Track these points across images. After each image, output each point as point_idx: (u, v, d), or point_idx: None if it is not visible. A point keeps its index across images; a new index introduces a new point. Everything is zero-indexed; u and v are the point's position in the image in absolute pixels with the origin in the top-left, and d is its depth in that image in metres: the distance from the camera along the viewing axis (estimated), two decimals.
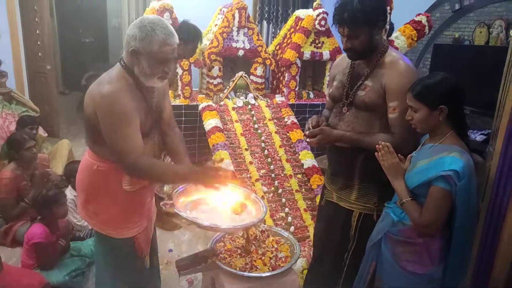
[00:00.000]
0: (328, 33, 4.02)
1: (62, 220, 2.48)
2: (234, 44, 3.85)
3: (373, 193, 1.71)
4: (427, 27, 2.67)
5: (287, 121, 3.65)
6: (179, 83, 3.75)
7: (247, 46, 3.90)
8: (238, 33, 3.86)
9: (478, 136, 3.52)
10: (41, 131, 3.89)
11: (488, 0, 3.72)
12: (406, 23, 2.68)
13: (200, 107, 3.66)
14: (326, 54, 4.02)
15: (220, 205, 1.67)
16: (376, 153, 1.50)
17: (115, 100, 1.40)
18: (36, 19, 4.54)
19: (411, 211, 1.42)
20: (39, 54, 4.66)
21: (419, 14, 2.69)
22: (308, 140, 1.71)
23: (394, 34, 2.68)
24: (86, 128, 1.56)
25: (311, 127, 1.71)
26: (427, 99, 1.38)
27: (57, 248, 2.38)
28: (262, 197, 2.94)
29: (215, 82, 3.87)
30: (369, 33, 1.54)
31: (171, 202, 1.58)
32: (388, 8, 2.42)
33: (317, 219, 2.05)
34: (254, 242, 1.74)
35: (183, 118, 3.71)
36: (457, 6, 4.04)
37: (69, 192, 2.80)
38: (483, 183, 1.69)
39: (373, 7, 1.50)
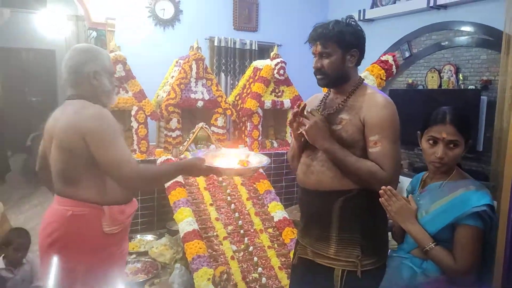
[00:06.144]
0: (287, 82, 4.00)
1: None
2: (192, 95, 3.71)
3: (354, 244, 1.46)
4: (394, 66, 2.69)
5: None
6: (135, 137, 3.49)
7: (206, 96, 3.77)
8: (196, 84, 3.74)
9: None
10: None
11: (436, 47, 3.93)
12: (373, 63, 2.68)
13: (158, 162, 3.39)
14: (287, 103, 3.98)
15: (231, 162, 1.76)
16: (380, 199, 1.33)
17: (104, 115, 1.41)
18: None
19: (442, 258, 1.24)
20: None
21: (384, 54, 2.71)
22: (293, 128, 1.53)
23: (362, 74, 2.66)
24: (58, 170, 1.45)
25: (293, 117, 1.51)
26: (466, 130, 1.30)
27: None
28: (232, 258, 2.65)
29: (173, 134, 3.65)
30: (341, 55, 1.47)
31: None
32: None
33: (291, 282, 1.74)
34: None
35: None
36: (407, 54, 4.24)
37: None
38: None
39: (348, 31, 1.48)
